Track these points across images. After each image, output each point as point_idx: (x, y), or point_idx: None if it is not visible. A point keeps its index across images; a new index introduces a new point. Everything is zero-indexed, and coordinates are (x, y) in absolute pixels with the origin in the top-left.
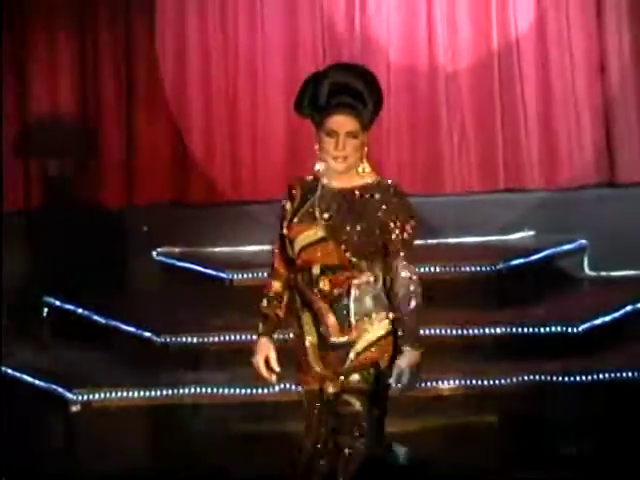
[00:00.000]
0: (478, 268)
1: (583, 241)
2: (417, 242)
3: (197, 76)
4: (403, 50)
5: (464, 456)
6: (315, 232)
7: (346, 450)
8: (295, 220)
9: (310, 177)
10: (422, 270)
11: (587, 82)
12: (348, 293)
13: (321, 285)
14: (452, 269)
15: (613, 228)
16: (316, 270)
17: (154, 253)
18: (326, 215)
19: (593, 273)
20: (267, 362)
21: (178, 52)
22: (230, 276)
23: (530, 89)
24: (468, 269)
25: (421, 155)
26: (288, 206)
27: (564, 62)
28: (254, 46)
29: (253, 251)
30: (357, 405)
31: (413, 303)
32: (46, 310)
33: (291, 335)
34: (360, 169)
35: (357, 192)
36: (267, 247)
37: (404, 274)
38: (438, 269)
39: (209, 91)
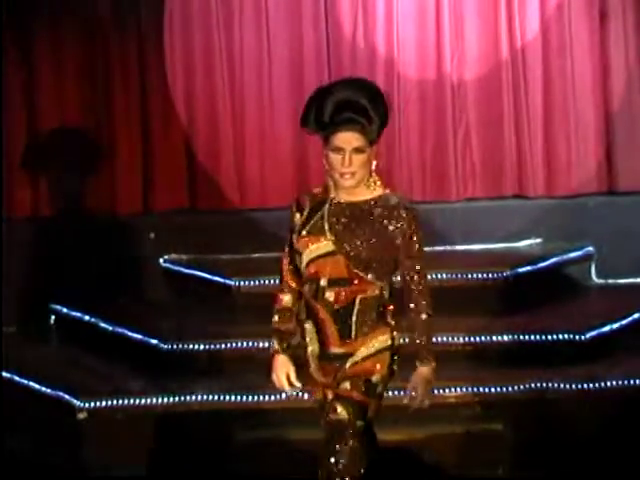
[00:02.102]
0: (485, 275)
1: (590, 249)
2: (425, 249)
3: (203, 84)
4: (411, 61)
5: (470, 464)
6: (324, 245)
7: (332, 459)
8: (304, 232)
9: (318, 189)
10: (429, 277)
11: (591, 91)
12: (352, 306)
13: (326, 297)
14: (459, 276)
15: (620, 235)
16: (323, 282)
17: (161, 260)
18: (335, 228)
19: (600, 281)
20: (287, 378)
21: (186, 65)
22: (237, 283)
23: (535, 98)
24: (475, 276)
25: (430, 163)
26: (297, 219)
27: (568, 72)
28: (260, 56)
29: (260, 258)
30: (343, 414)
31: (424, 316)
32: (53, 317)
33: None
34: (369, 183)
35: (366, 206)
36: (274, 254)
37: (414, 287)
38: (445, 276)
39: (215, 100)
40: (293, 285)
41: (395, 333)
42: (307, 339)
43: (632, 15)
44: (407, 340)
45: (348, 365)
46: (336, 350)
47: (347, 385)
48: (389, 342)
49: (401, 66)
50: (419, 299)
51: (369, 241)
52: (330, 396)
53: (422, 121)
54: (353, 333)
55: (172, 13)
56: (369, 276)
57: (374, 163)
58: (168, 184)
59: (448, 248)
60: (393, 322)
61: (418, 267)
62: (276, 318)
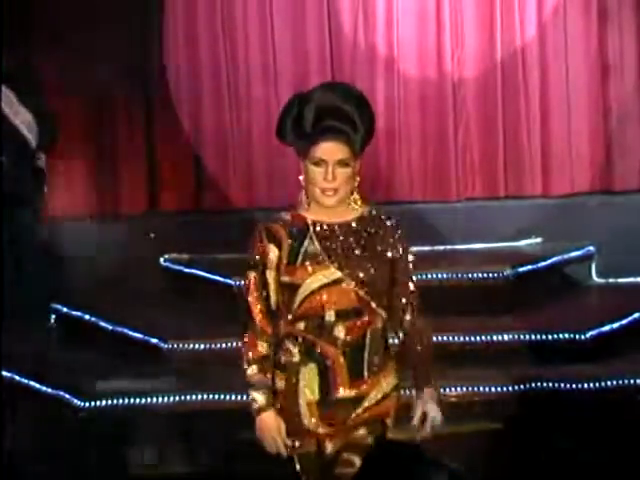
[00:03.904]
0: (486, 275)
1: (591, 248)
2: (425, 249)
3: (209, 82)
4: (412, 60)
5: (471, 463)
6: (328, 272)
7: None
8: (298, 262)
9: (285, 216)
10: (429, 277)
11: (589, 91)
12: (363, 340)
13: (336, 333)
14: (460, 276)
15: (621, 235)
16: (330, 316)
17: (161, 259)
18: (335, 253)
19: (601, 280)
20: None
21: (191, 66)
22: (237, 283)
23: (534, 99)
24: (476, 276)
25: (430, 163)
26: (272, 251)
27: (565, 72)
28: (264, 57)
29: None
30: (358, 463)
31: (425, 341)
32: (53, 317)
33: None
34: (349, 200)
35: (358, 225)
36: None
37: (409, 314)
38: (446, 276)
39: (221, 97)
40: (269, 330)
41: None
42: (301, 385)
43: (630, 15)
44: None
45: (361, 409)
46: (344, 394)
47: (363, 431)
48: (397, 379)
49: (401, 65)
50: (418, 326)
51: (372, 265)
52: (333, 447)
53: (422, 121)
54: (365, 372)
55: (176, 13)
56: (375, 304)
57: (357, 180)
58: (171, 184)
59: (448, 248)
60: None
61: (412, 287)
62: (254, 369)
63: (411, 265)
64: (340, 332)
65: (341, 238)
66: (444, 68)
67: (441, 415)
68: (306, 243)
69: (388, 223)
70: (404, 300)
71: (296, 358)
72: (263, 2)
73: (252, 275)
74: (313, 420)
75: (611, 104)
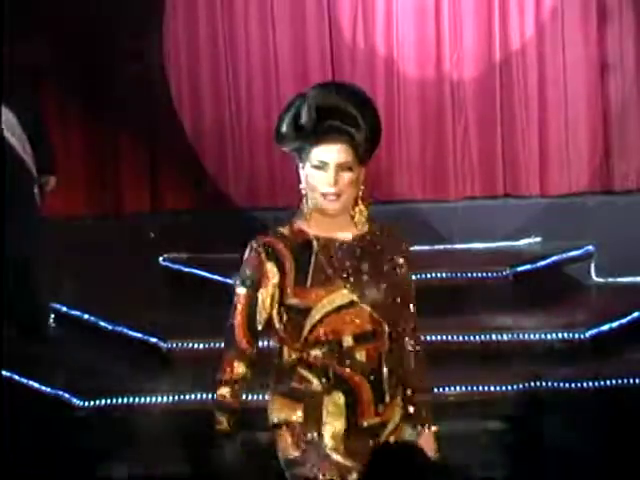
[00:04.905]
0: (485, 274)
1: (590, 247)
2: (424, 248)
3: (210, 81)
4: (411, 60)
5: (468, 462)
6: (341, 295)
7: None
8: (307, 284)
9: (285, 229)
10: (429, 276)
11: (587, 90)
12: (380, 364)
13: (358, 357)
14: (459, 275)
15: (620, 234)
16: (348, 341)
17: (160, 259)
18: (346, 272)
19: (600, 279)
20: None
21: (191, 67)
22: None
23: (533, 99)
24: (475, 275)
25: (429, 162)
26: (271, 270)
27: (565, 72)
28: (265, 57)
29: None
30: None
31: (423, 377)
32: (53, 316)
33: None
34: (354, 212)
35: (362, 242)
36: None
37: (411, 343)
38: (445, 275)
39: (222, 97)
40: (251, 351)
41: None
42: (324, 415)
43: (628, 15)
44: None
45: (384, 437)
46: (370, 421)
47: None
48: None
49: (401, 66)
50: (418, 358)
51: (385, 285)
52: (356, 476)
53: (421, 120)
54: (387, 397)
55: (176, 9)
56: (386, 325)
57: (362, 189)
58: (168, 183)
59: (448, 247)
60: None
61: (412, 325)
62: (226, 392)
63: (413, 292)
64: (362, 357)
65: (349, 256)
66: (443, 68)
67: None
68: (312, 262)
69: (395, 239)
70: (405, 322)
71: (317, 387)
72: (263, 2)
73: (242, 292)
74: (339, 452)
75: (610, 104)
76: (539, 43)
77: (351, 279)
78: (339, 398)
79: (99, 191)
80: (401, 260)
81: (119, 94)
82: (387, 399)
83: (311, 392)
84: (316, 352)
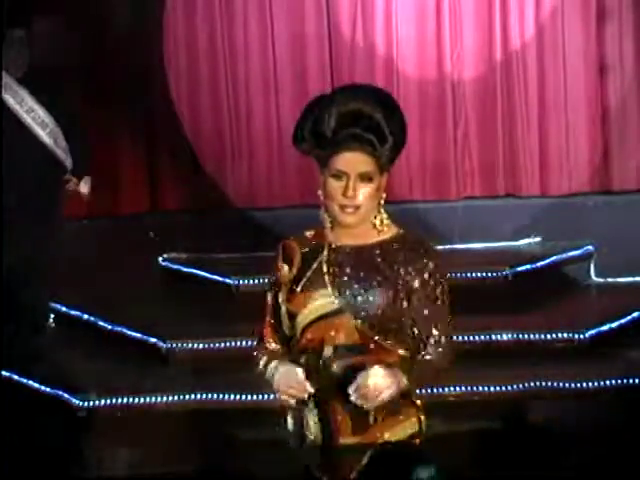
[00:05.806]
0: (485, 274)
1: (590, 247)
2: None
3: (209, 81)
4: (411, 59)
5: (468, 462)
6: (326, 303)
7: None
8: (298, 289)
9: (311, 233)
10: None
11: (587, 90)
12: None
13: (333, 371)
14: (459, 275)
15: (620, 234)
16: (327, 351)
17: (160, 259)
18: (338, 280)
19: (600, 279)
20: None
21: (190, 68)
22: (236, 282)
23: (533, 98)
24: (475, 275)
25: (429, 162)
26: (285, 270)
27: (565, 71)
28: (264, 57)
29: (260, 257)
30: None
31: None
32: (52, 316)
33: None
34: (375, 221)
35: (376, 251)
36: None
37: (430, 345)
38: None
39: (221, 97)
40: (280, 350)
41: (422, 416)
42: (305, 427)
43: (628, 16)
44: None
45: (366, 459)
46: (347, 440)
47: None
48: (417, 428)
49: (400, 65)
50: (436, 369)
51: (385, 296)
52: None
53: (421, 120)
54: (371, 418)
55: (175, 10)
56: (388, 341)
57: (384, 196)
58: (170, 183)
59: (447, 247)
60: (419, 401)
61: (436, 332)
62: (263, 362)
63: (439, 303)
64: (339, 371)
65: (353, 262)
66: (443, 68)
67: (392, 390)
68: (314, 267)
69: (416, 253)
70: (420, 332)
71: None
72: (262, 1)
73: (268, 297)
74: (316, 466)
75: (609, 104)
76: (539, 43)
77: (339, 286)
78: (313, 411)
79: (99, 191)
80: (419, 267)
81: (118, 94)
82: (371, 420)
83: (299, 401)
84: (302, 360)
